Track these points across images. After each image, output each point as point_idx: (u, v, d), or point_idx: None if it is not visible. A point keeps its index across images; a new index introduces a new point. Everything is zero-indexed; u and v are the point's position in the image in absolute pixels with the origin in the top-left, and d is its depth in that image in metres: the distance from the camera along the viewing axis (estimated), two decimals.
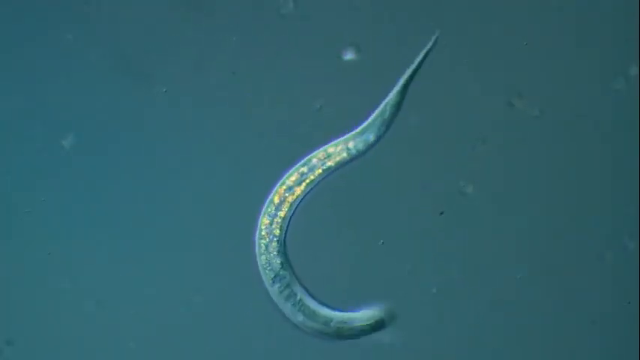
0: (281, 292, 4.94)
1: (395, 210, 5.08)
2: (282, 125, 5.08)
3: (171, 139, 5.11)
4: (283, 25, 5.11)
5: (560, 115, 5.15)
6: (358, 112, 5.05)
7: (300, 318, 4.92)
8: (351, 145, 4.98)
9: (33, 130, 5.16)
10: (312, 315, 4.93)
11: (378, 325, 4.96)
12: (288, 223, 5.01)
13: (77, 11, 5.20)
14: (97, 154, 5.16)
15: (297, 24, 5.12)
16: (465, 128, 5.12)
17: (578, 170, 5.14)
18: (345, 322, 4.97)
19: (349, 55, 5.07)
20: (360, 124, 5.03)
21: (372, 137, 5.00)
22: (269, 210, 4.96)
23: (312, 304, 4.96)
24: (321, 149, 5.00)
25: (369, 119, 5.03)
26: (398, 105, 5.02)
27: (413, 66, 5.02)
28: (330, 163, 4.98)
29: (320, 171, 5.04)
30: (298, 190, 4.96)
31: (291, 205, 4.97)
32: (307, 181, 4.96)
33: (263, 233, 4.96)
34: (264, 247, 4.93)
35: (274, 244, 4.93)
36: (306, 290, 5.00)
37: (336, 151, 4.96)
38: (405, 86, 5.00)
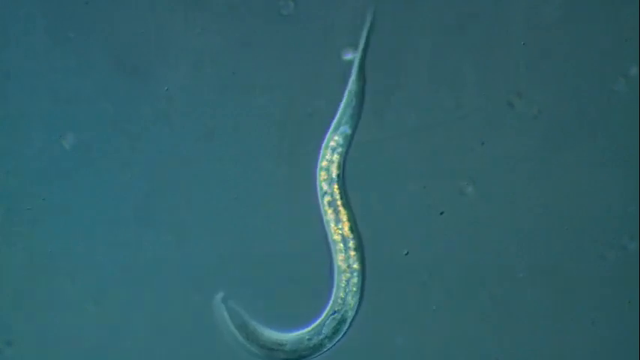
0: None
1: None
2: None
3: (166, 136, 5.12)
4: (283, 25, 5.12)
5: (560, 114, 5.15)
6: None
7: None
8: (333, 143, 4.94)
9: (33, 130, 5.17)
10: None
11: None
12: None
13: (78, 10, 5.20)
14: (96, 153, 5.16)
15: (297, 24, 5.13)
16: (466, 128, 5.13)
17: (578, 170, 5.13)
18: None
19: (349, 55, 5.08)
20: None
21: (348, 129, 4.96)
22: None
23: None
24: (320, 169, 4.93)
25: (339, 112, 5.00)
26: (361, 91, 4.97)
27: (361, 49, 4.99)
28: (336, 172, 4.93)
29: (336, 186, 4.99)
30: (330, 214, 4.91)
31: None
32: (329, 199, 4.91)
33: None
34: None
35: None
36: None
37: (331, 159, 4.91)
38: (361, 71, 4.95)
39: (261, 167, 5.07)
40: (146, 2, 5.15)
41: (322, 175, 4.78)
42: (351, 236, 4.91)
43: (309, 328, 4.96)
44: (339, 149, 4.93)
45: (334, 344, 5.01)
